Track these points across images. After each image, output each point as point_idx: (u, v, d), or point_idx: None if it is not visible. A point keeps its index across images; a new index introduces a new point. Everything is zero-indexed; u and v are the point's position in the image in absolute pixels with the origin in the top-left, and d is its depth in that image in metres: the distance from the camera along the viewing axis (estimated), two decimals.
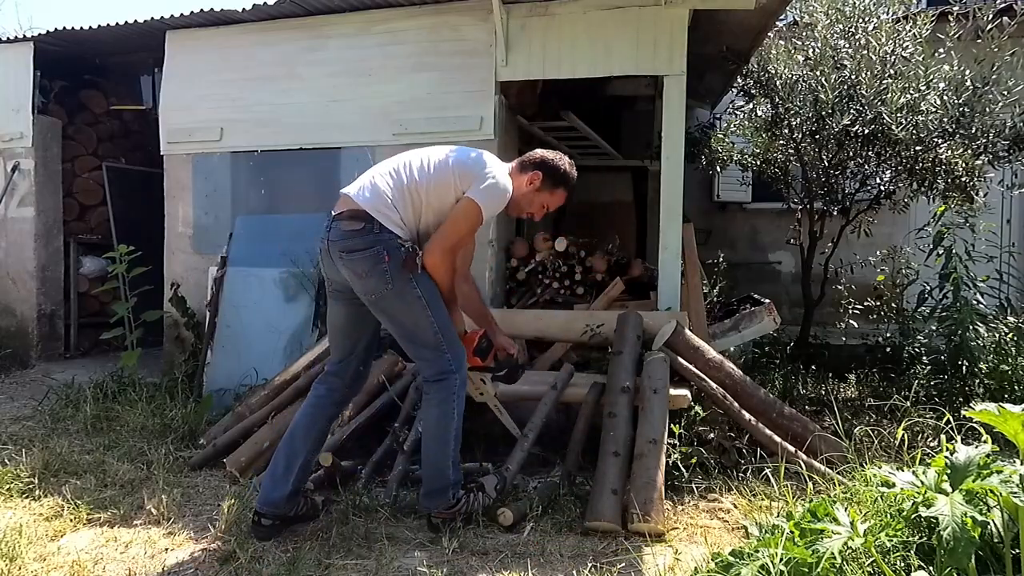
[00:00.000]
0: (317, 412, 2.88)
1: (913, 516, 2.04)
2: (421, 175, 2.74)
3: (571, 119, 5.72)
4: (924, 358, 4.56)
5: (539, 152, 2.97)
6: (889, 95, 4.42)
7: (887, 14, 4.82)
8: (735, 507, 3.00)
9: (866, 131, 4.59)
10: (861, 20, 4.75)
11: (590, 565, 2.49)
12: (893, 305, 5.27)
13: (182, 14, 5.25)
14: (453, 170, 2.74)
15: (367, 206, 2.68)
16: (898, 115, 4.40)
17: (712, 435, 3.42)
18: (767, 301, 4.51)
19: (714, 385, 3.43)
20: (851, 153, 5.02)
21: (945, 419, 2.91)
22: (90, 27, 5.58)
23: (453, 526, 2.76)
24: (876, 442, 3.26)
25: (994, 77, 4.52)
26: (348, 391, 2.94)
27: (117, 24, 5.46)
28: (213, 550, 2.65)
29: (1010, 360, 4.18)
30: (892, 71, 4.56)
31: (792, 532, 1.99)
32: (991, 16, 4.55)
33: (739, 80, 5.67)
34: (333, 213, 2.77)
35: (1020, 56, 4.61)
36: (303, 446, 2.82)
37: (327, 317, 2.96)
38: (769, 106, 5.30)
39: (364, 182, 2.78)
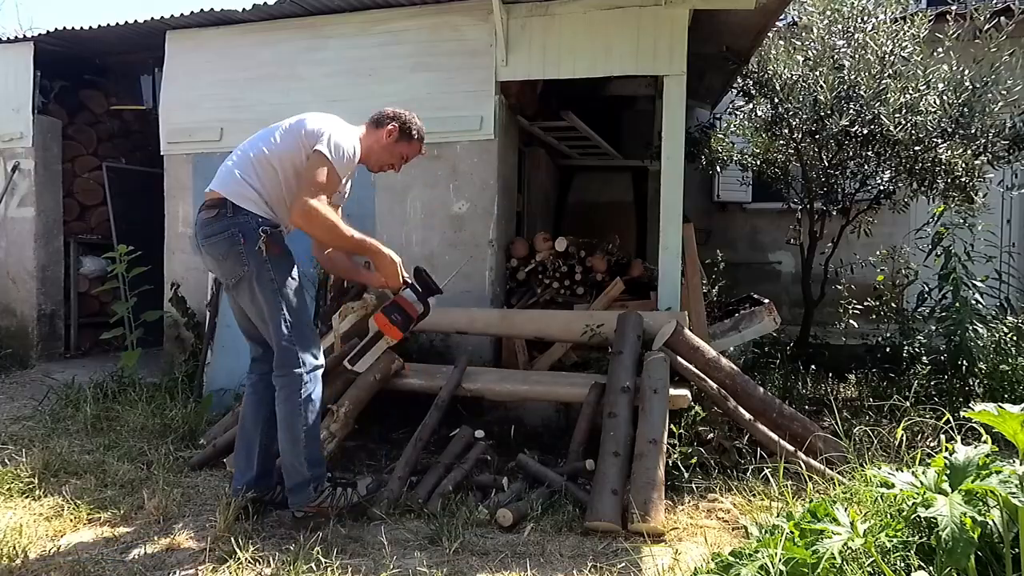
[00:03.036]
0: (257, 399, 2.94)
1: (913, 516, 2.04)
2: (270, 146, 2.78)
3: (571, 119, 5.72)
4: (924, 358, 4.56)
5: (387, 108, 3.03)
6: (888, 95, 4.42)
7: (885, 14, 4.82)
8: (735, 507, 3.00)
9: (865, 131, 4.60)
10: (859, 20, 4.75)
11: (590, 565, 2.50)
12: (893, 305, 5.26)
13: (182, 14, 5.25)
14: (298, 133, 2.76)
15: (220, 190, 2.76)
16: (897, 115, 4.40)
17: (712, 435, 3.43)
18: (767, 301, 4.51)
19: (714, 385, 3.43)
20: (851, 153, 5.02)
21: (945, 419, 2.90)
22: (90, 27, 5.58)
23: (318, 520, 2.79)
24: (876, 442, 3.25)
25: (993, 77, 4.53)
26: None
27: (117, 24, 5.46)
28: (213, 550, 2.65)
29: (1010, 360, 4.19)
30: (891, 71, 4.56)
31: (792, 532, 1.99)
32: (989, 16, 4.56)
33: (739, 80, 5.67)
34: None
35: (1019, 56, 4.61)
36: (255, 433, 2.91)
37: (233, 312, 2.99)
38: (769, 106, 5.30)
39: (219, 172, 2.84)
